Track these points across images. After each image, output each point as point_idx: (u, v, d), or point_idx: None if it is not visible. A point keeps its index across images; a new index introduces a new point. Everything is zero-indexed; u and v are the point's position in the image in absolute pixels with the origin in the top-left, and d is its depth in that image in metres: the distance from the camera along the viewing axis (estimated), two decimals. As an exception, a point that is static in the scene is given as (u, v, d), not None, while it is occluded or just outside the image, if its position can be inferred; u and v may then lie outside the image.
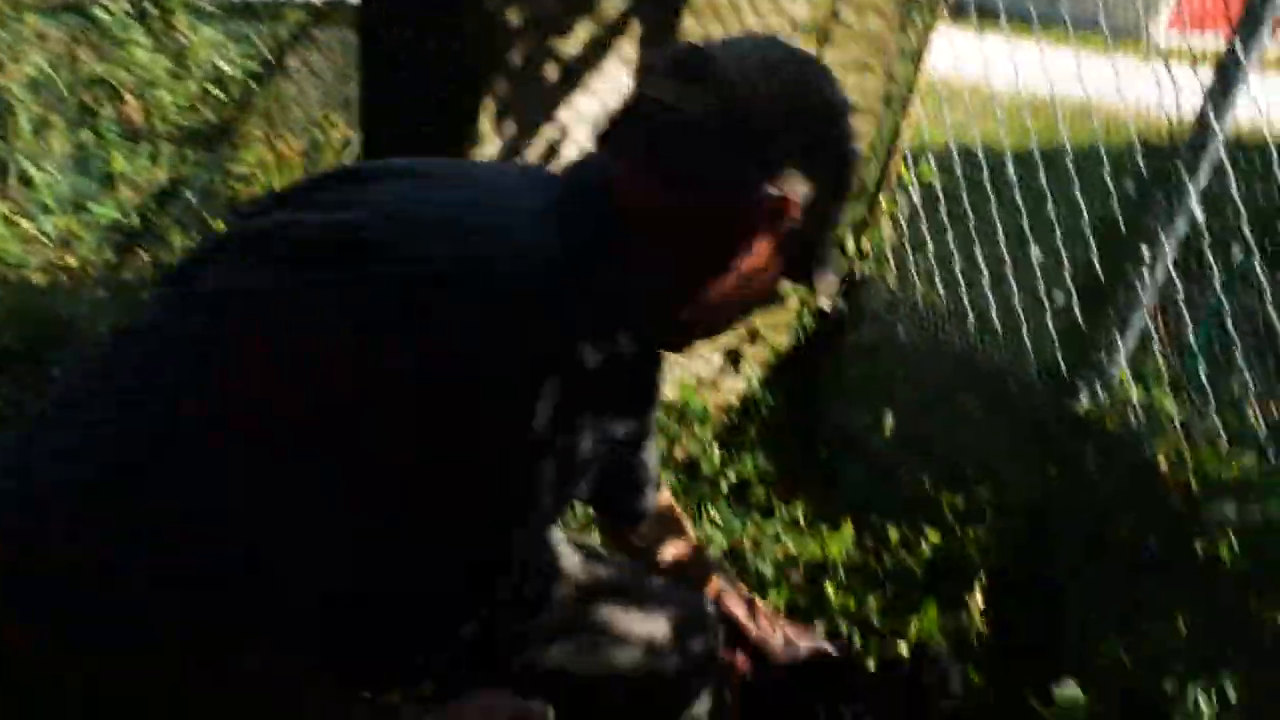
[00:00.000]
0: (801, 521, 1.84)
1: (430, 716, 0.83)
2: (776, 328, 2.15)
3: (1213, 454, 1.36)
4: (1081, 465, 1.70)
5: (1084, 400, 1.72)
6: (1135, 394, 1.61)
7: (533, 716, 0.82)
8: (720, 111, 0.74)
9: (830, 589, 1.56)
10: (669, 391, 2.05)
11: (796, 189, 0.77)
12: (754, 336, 2.15)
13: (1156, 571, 1.52)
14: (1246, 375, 1.54)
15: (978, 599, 1.41)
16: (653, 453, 1.10)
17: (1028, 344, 1.86)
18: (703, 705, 1.10)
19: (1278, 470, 1.22)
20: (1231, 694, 1.19)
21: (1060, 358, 1.75)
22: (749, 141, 0.75)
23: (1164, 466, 1.49)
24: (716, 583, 1.18)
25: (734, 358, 2.16)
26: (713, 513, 1.83)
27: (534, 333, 0.70)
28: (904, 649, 1.39)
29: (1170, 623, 1.44)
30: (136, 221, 2.83)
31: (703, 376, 2.13)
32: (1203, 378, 1.57)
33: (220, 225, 2.49)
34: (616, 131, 0.80)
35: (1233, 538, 1.35)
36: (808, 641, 1.32)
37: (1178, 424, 1.57)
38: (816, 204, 0.79)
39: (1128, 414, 1.66)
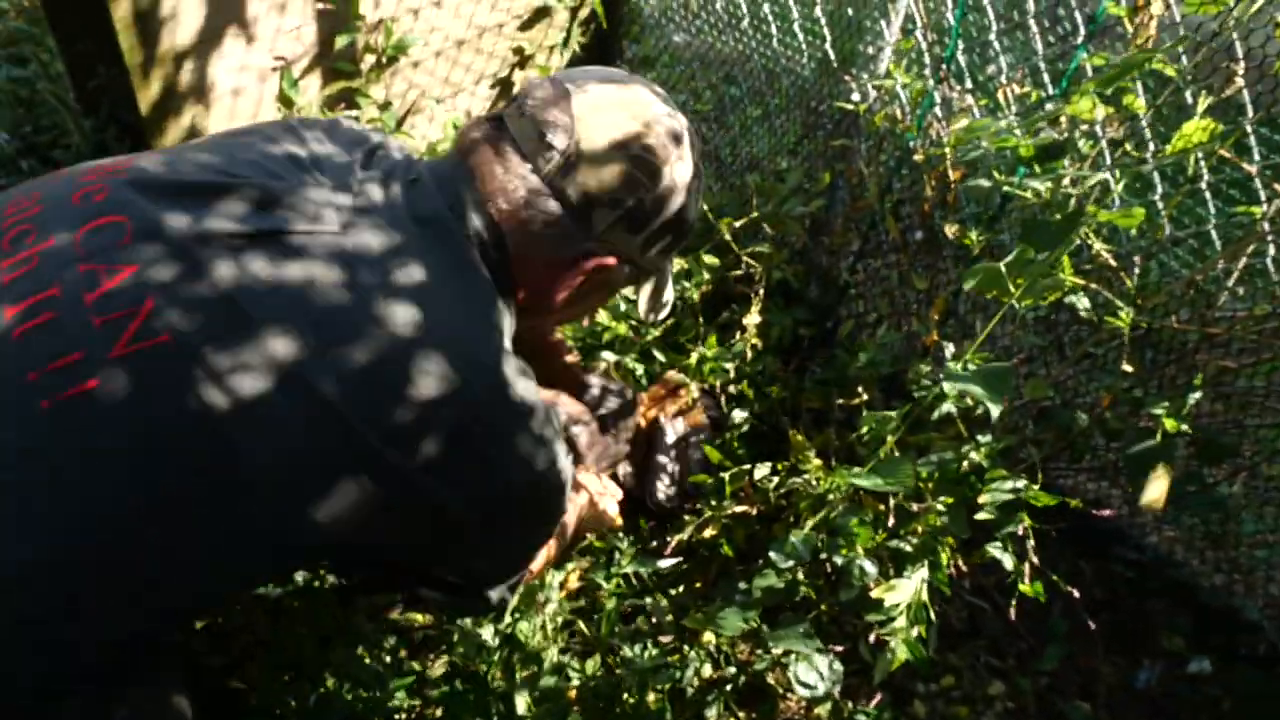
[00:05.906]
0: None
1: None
2: (543, 48, 1.99)
3: (962, 135, 1.38)
4: (853, 161, 1.72)
5: (855, 96, 1.70)
6: (901, 77, 1.60)
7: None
8: (561, 177, 0.89)
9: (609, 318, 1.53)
10: (435, 132, 1.91)
11: (621, 249, 0.95)
12: (523, 61, 1.98)
13: (920, 258, 1.62)
14: (1001, 58, 1.54)
15: (754, 316, 1.45)
16: None
17: (800, 39, 1.79)
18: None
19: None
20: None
21: (831, 51, 1.71)
22: (581, 211, 0.90)
23: (921, 155, 1.52)
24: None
25: (505, 86, 2.01)
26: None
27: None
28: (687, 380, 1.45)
29: (929, 305, 1.55)
30: None
31: (473, 110, 1.98)
32: (960, 60, 1.57)
33: None
34: (484, 164, 0.91)
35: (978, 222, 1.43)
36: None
37: (938, 109, 1.59)
38: (643, 255, 0.97)
39: (894, 107, 1.66)
